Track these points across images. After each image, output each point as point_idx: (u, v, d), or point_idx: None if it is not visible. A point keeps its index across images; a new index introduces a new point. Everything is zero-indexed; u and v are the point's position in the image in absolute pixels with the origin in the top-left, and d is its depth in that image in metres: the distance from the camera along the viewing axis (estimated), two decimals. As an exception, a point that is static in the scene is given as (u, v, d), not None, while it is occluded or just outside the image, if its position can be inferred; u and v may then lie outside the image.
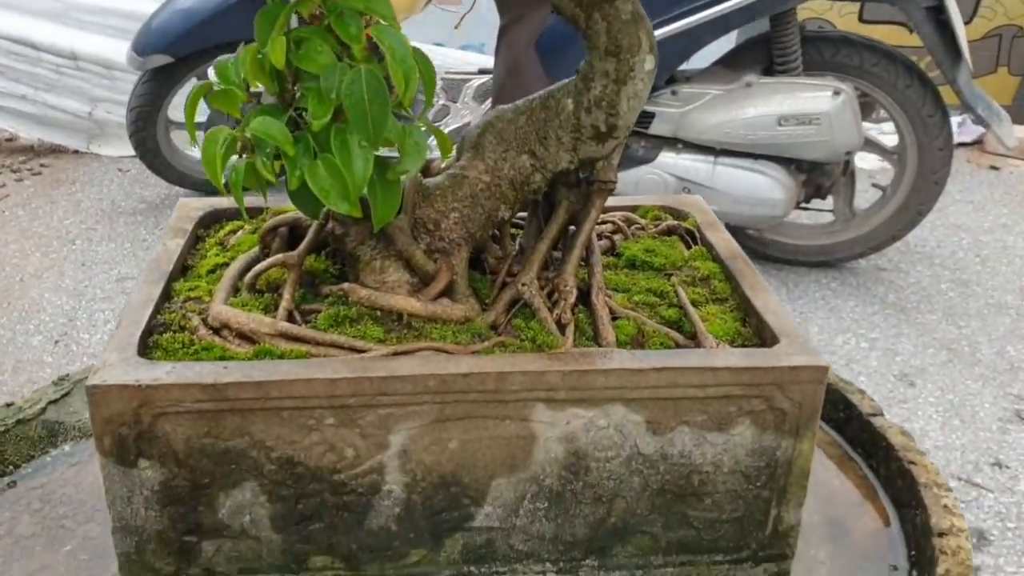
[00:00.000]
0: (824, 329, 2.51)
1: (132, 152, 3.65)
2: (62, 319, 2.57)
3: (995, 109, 2.36)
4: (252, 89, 0.51)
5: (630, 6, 0.58)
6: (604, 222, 0.75)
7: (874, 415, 0.79)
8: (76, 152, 4.03)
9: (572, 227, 0.66)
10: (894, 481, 0.75)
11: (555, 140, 0.62)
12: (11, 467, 0.76)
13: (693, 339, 0.61)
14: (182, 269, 0.66)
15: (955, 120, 3.62)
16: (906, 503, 0.72)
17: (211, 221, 0.73)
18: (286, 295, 0.58)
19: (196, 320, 0.58)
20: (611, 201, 0.79)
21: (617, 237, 0.73)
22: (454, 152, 0.65)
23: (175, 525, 0.56)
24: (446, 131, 2.72)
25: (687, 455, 0.57)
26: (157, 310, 0.59)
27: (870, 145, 2.56)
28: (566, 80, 0.63)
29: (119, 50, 3.71)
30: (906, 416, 2.15)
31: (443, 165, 0.63)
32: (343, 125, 0.49)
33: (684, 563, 0.61)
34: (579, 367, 0.55)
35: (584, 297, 0.64)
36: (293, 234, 0.65)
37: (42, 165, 3.88)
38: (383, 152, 0.54)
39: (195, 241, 0.70)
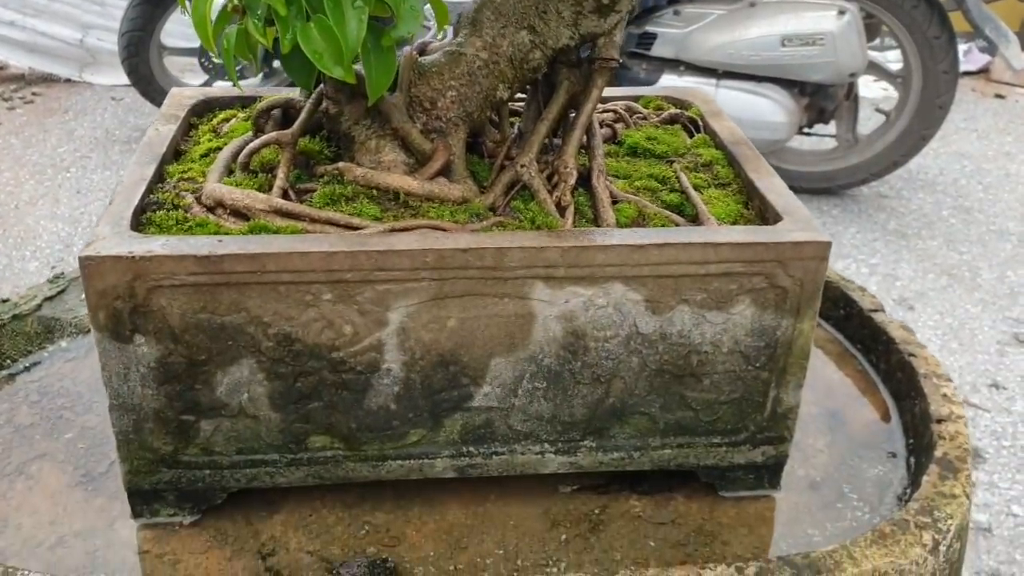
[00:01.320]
0: (824, 255, 2.48)
1: (125, 81, 3.58)
2: (58, 245, 2.57)
3: (1003, 31, 2.32)
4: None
5: None
6: (606, 111, 0.73)
7: (875, 311, 0.79)
8: (68, 81, 3.97)
9: (572, 111, 0.64)
10: (894, 374, 0.75)
11: (555, 14, 0.60)
12: (8, 361, 0.76)
13: (695, 221, 0.60)
14: (175, 153, 0.64)
15: (961, 48, 3.55)
16: (905, 394, 0.72)
17: (204, 109, 0.71)
18: (280, 173, 0.57)
19: (190, 198, 0.57)
20: (613, 91, 0.77)
21: (619, 125, 0.71)
22: (450, 28, 0.64)
23: (172, 403, 0.56)
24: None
25: (686, 335, 0.57)
26: (150, 190, 0.58)
27: (874, 68, 2.52)
28: None
29: (109, -29, 3.60)
30: None
31: (440, 39, 0.62)
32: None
33: (682, 445, 0.61)
34: (578, 243, 0.54)
35: (584, 181, 0.62)
36: (287, 116, 0.64)
37: (34, 94, 3.83)
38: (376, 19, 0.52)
39: (188, 128, 0.68)
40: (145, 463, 0.57)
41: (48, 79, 3.80)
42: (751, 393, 0.59)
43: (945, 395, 0.68)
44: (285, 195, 0.57)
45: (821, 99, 2.35)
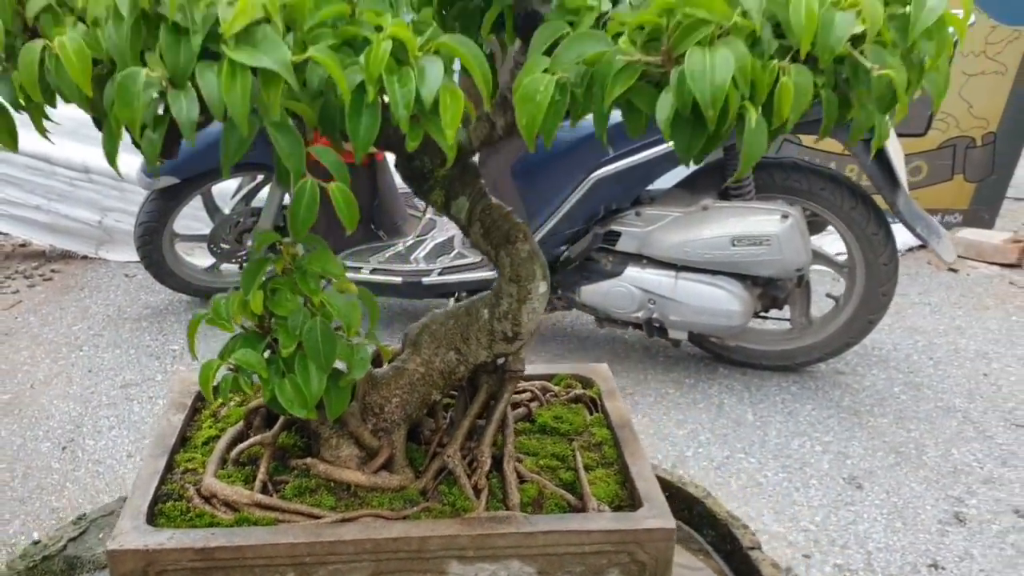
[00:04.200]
0: (781, 433, 2.66)
1: (137, 258, 3.87)
2: (69, 425, 2.73)
3: (934, 228, 2.57)
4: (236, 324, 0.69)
5: (527, 246, 0.77)
6: (523, 390, 0.92)
7: (752, 548, 0.95)
8: (85, 257, 4.24)
9: (493, 401, 0.83)
10: None
11: (475, 340, 0.80)
12: None
13: (581, 501, 0.78)
14: (182, 440, 0.83)
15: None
16: None
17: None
18: (262, 469, 0.76)
19: (191, 491, 0.75)
20: (534, 368, 0.96)
21: (534, 404, 0.90)
22: (400, 343, 0.83)
23: None
24: (432, 244, 2.91)
25: None
26: (162, 481, 0.76)
27: (822, 259, 2.75)
28: (484, 294, 0.81)
29: (130, 163, 3.94)
30: (852, 519, 2.28)
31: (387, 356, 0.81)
32: (303, 354, 0.67)
33: None
34: (483, 531, 0.71)
35: (498, 464, 0.81)
36: (270, 413, 0.83)
37: (53, 271, 4.08)
38: (338, 364, 0.72)
39: (193, 413, 0.88)
40: None
41: (66, 255, 4.06)
42: None
43: None
44: (265, 487, 0.75)
45: (772, 289, 2.58)
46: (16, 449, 2.56)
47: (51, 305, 3.67)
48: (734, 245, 2.45)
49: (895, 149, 2.39)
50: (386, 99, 0.53)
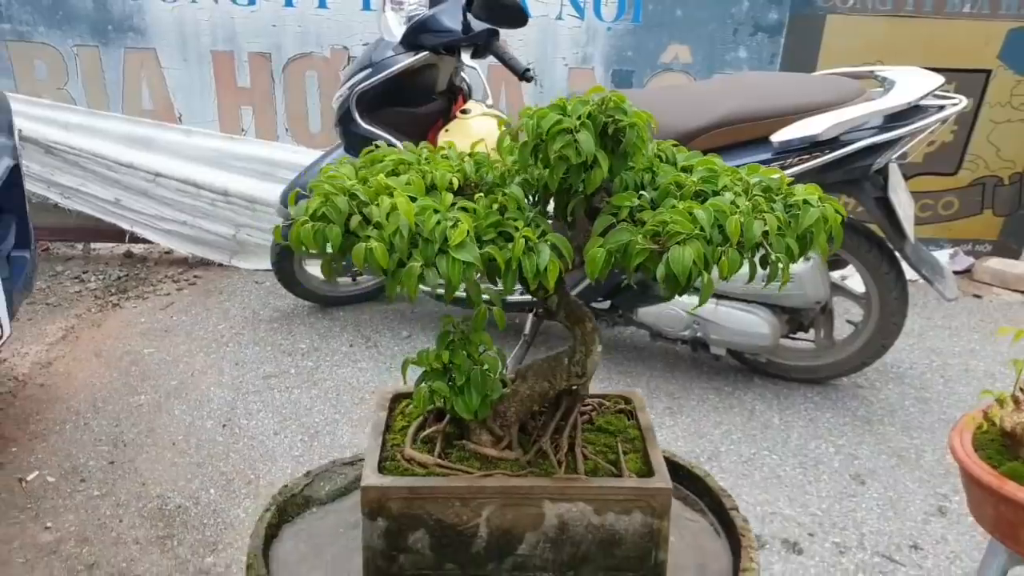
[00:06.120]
0: (802, 435, 3.18)
1: (265, 266, 4.60)
2: (225, 408, 3.40)
3: (938, 269, 3.05)
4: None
5: (591, 325, 1.33)
6: (588, 405, 1.49)
7: (732, 509, 1.50)
8: (220, 265, 4.95)
9: (569, 411, 1.40)
10: (736, 546, 1.45)
11: (560, 376, 1.37)
12: (290, 517, 1.53)
13: (620, 471, 1.34)
14: (387, 428, 1.42)
15: (947, 253, 4.28)
16: (736, 555, 1.43)
17: (398, 398, 1.50)
18: (438, 446, 1.34)
19: (399, 456, 1.34)
20: (595, 389, 1.53)
21: (594, 414, 1.47)
22: (510, 365, 1.41)
23: (389, 544, 1.31)
24: None
25: (611, 525, 1.30)
26: (382, 449, 1.35)
27: (843, 292, 3.26)
28: (564, 348, 1.38)
29: (261, 187, 4.65)
30: (852, 508, 2.80)
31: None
32: (468, 384, 1.25)
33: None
34: (563, 484, 1.28)
35: (571, 448, 1.38)
36: (440, 413, 1.41)
37: (195, 276, 4.80)
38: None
39: (391, 409, 1.47)
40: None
41: (204, 263, 4.76)
42: (644, 553, 1.31)
43: (751, 556, 1.39)
44: (440, 456, 1.34)
45: (798, 316, 3.09)
46: (187, 425, 3.24)
47: (198, 307, 4.36)
48: (763, 280, 2.97)
49: (902, 204, 2.87)
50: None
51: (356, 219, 1.10)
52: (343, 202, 1.10)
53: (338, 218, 1.10)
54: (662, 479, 1.30)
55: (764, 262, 1.16)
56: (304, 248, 1.11)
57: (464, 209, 1.13)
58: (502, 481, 1.29)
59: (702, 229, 1.09)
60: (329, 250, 1.10)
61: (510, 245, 1.11)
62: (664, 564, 1.32)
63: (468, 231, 1.08)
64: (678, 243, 1.09)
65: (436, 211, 1.10)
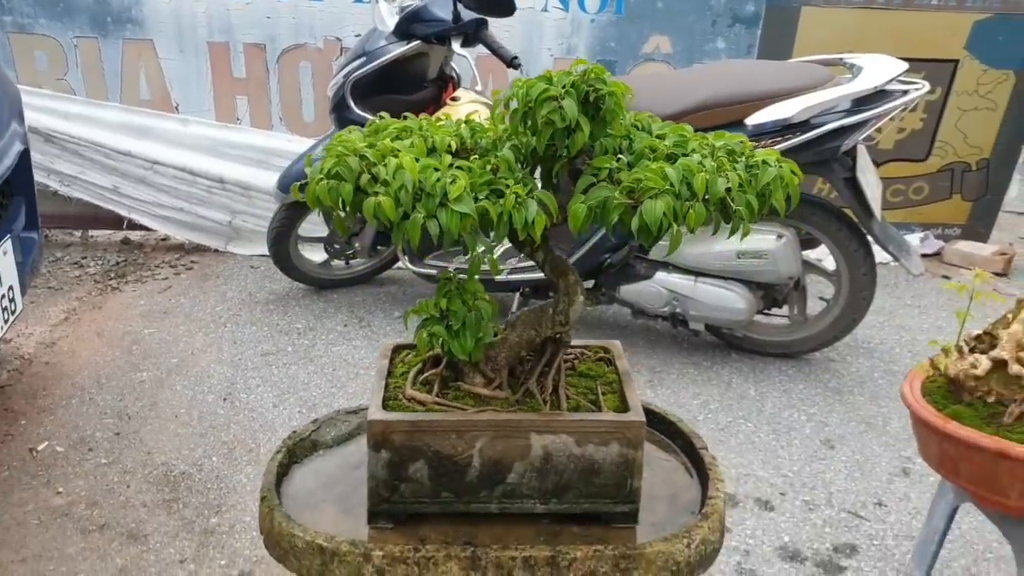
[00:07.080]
0: (776, 405, 3.35)
1: (260, 252, 4.72)
2: (225, 383, 3.53)
3: (904, 246, 3.22)
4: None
5: (573, 277, 1.48)
6: (571, 353, 1.64)
7: (702, 448, 1.65)
8: (216, 251, 5.07)
9: (554, 357, 1.55)
10: (705, 479, 1.61)
11: (546, 324, 1.52)
12: (299, 458, 1.67)
13: (599, 408, 1.49)
14: (388, 372, 1.57)
15: (918, 236, 4.46)
16: (704, 487, 1.58)
17: (398, 348, 1.65)
18: (436, 387, 1.49)
19: (401, 396, 1.48)
20: (577, 341, 1.68)
21: (576, 361, 1.62)
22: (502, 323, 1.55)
23: (390, 473, 1.45)
24: (501, 250, 3.59)
25: (590, 455, 1.45)
26: (385, 390, 1.50)
27: (815, 269, 3.42)
28: (548, 301, 1.52)
29: (256, 175, 4.77)
30: (821, 470, 2.97)
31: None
32: (464, 329, 1.40)
33: (592, 502, 1.47)
34: (549, 418, 1.43)
35: (556, 389, 1.52)
36: (437, 358, 1.56)
37: (192, 261, 4.92)
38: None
39: (392, 358, 1.61)
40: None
41: (200, 248, 4.88)
42: (620, 480, 1.46)
43: (718, 487, 1.54)
44: (438, 395, 1.48)
45: (772, 292, 3.25)
46: (190, 399, 3.37)
47: (196, 290, 4.49)
48: (739, 258, 3.13)
49: (870, 184, 3.04)
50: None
51: (366, 177, 1.24)
52: (355, 162, 1.24)
53: (350, 176, 1.25)
54: (636, 413, 1.45)
55: (727, 216, 1.32)
56: (319, 204, 1.26)
57: (461, 168, 1.28)
58: (493, 416, 1.43)
59: (672, 185, 1.24)
60: (342, 205, 1.25)
61: (502, 200, 1.26)
62: (638, 491, 1.47)
63: (465, 186, 1.23)
64: (650, 198, 1.24)
65: (436, 169, 1.25)
